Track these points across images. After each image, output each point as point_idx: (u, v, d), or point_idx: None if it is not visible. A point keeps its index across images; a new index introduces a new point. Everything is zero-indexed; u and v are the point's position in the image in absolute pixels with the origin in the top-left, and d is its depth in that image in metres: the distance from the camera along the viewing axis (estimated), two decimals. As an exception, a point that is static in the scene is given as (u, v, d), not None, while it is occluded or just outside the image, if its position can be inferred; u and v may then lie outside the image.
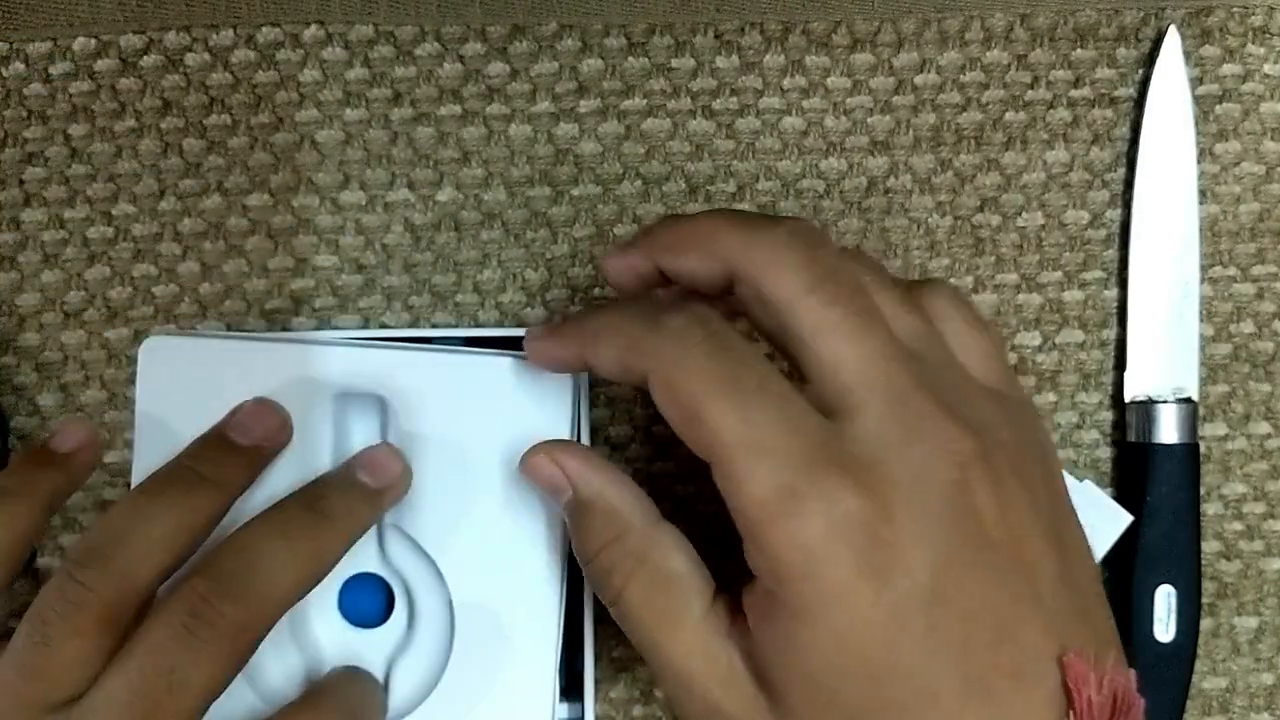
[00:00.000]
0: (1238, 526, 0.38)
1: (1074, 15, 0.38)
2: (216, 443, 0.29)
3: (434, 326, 0.37)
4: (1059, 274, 0.38)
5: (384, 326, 0.37)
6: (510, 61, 0.37)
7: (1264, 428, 0.38)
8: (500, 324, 0.37)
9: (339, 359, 0.31)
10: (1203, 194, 0.38)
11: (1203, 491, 0.37)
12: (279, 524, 0.27)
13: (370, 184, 0.37)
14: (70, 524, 0.37)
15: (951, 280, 0.38)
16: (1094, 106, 0.38)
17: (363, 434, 0.30)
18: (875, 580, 0.23)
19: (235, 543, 0.27)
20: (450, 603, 0.30)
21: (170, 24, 0.37)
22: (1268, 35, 0.38)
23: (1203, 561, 0.37)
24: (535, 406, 0.31)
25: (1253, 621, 0.38)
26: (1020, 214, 0.38)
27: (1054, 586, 0.25)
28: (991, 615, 0.24)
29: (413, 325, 0.37)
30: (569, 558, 0.31)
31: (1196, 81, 0.38)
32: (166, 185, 0.37)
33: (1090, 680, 0.24)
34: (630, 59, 0.37)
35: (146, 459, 0.30)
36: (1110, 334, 0.38)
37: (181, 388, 0.30)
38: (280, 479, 0.30)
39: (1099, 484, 0.37)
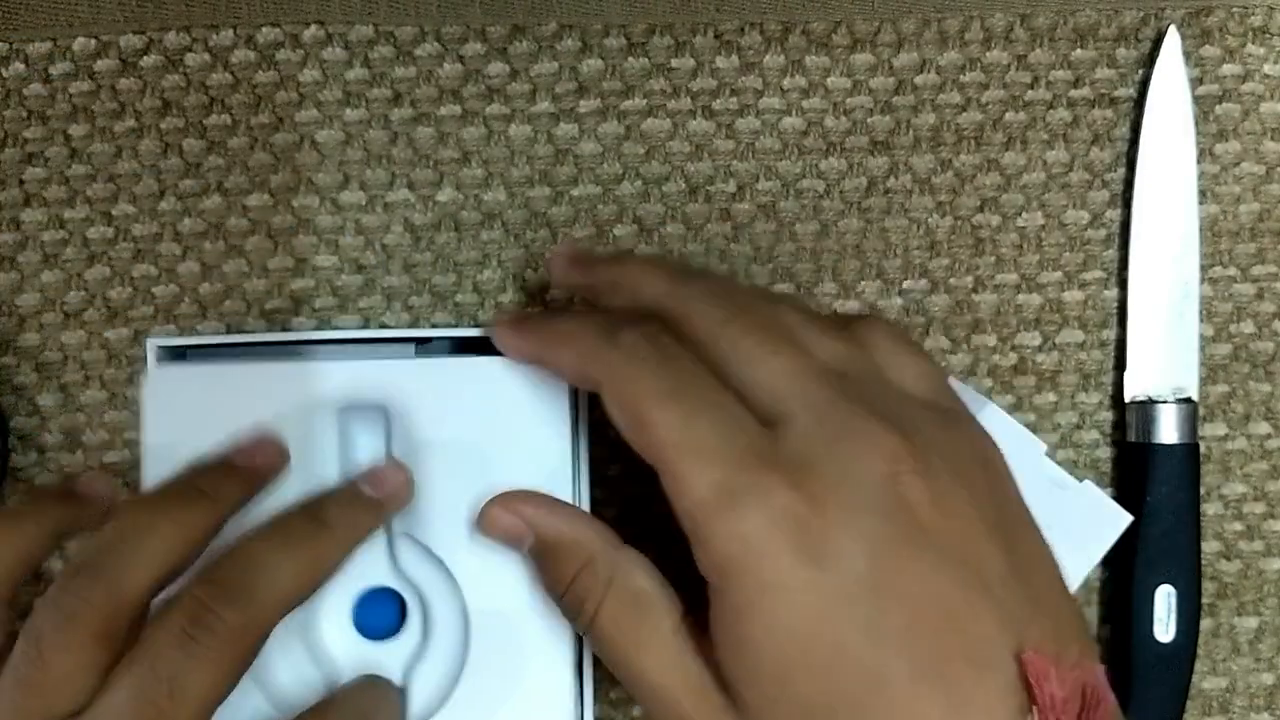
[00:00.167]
0: (1238, 526, 0.38)
1: (1074, 15, 0.38)
2: (214, 463, 0.30)
3: (434, 327, 0.37)
4: (1059, 274, 0.38)
5: (384, 327, 0.37)
6: (510, 61, 0.37)
7: (1264, 428, 0.38)
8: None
9: (341, 372, 0.31)
10: (1203, 194, 0.38)
11: (1203, 491, 0.37)
12: (279, 532, 0.28)
13: (370, 184, 0.37)
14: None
15: (951, 280, 0.38)
16: (1094, 106, 0.38)
17: (367, 445, 0.30)
18: (811, 569, 0.24)
19: (235, 551, 0.27)
20: (464, 606, 0.30)
21: (170, 24, 0.37)
22: (1268, 35, 0.38)
23: (1203, 561, 0.37)
24: (536, 406, 0.31)
25: (1253, 621, 0.38)
26: (1020, 214, 0.38)
27: (1002, 578, 0.25)
28: (935, 602, 0.24)
29: (413, 325, 0.37)
30: None
31: (1196, 81, 0.38)
32: (166, 185, 0.37)
33: (1051, 675, 0.24)
34: (630, 59, 0.37)
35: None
36: (1110, 334, 0.38)
37: (188, 415, 0.31)
38: (288, 494, 0.30)
39: (1099, 484, 0.37)
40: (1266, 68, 0.38)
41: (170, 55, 0.37)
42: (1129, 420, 0.37)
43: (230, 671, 0.26)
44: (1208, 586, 0.37)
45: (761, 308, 0.28)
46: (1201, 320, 0.38)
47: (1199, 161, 0.38)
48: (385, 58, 0.37)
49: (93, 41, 0.37)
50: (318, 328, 0.37)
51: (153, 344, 0.31)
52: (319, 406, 0.31)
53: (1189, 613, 0.36)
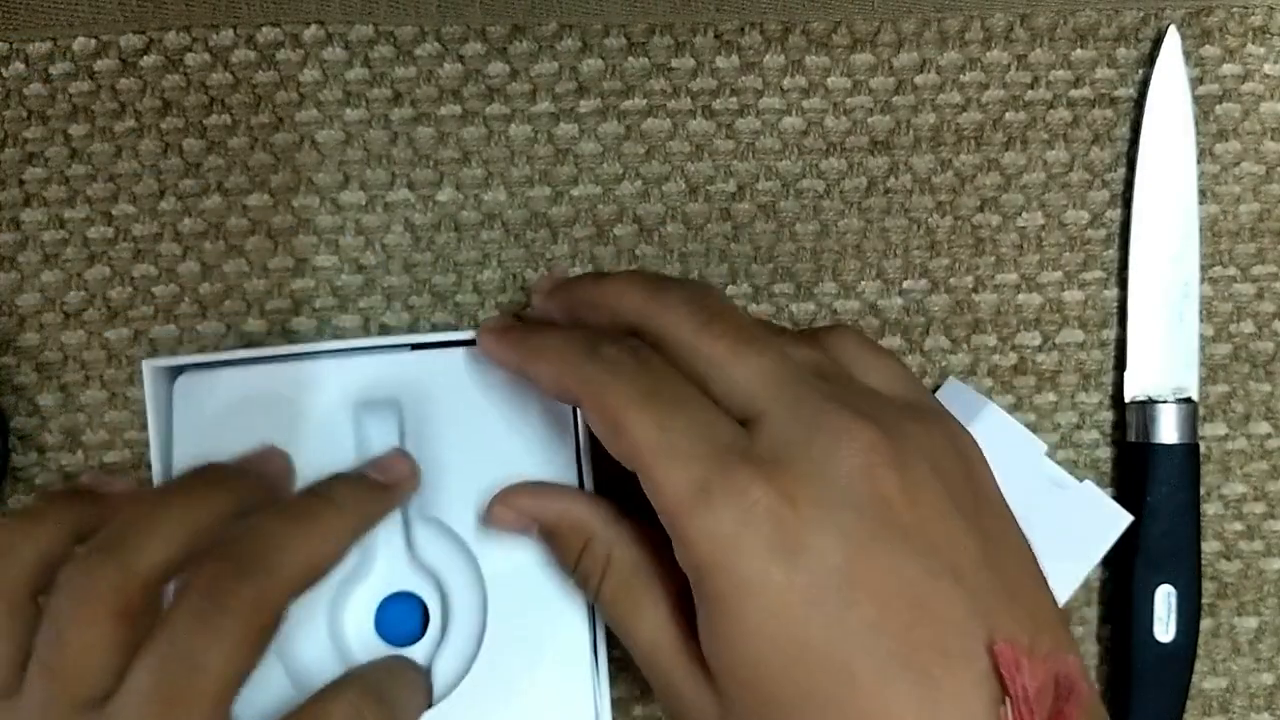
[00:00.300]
0: (1238, 526, 0.38)
1: (1074, 15, 0.38)
2: (227, 463, 0.30)
3: (434, 328, 0.37)
4: (1059, 274, 0.38)
5: (384, 327, 0.37)
6: (510, 61, 0.37)
7: (1264, 428, 0.38)
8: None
9: (354, 369, 0.32)
10: (1203, 194, 0.38)
11: (1203, 491, 0.37)
12: (290, 510, 0.28)
13: (370, 184, 0.37)
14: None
15: (951, 280, 0.38)
16: (1094, 106, 0.38)
17: (381, 439, 0.31)
18: (785, 565, 0.24)
19: (248, 528, 0.27)
20: (483, 586, 0.31)
21: (170, 24, 0.37)
22: (1268, 35, 0.38)
23: (1203, 561, 0.37)
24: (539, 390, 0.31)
25: (1253, 621, 0.38)
26: (1020, 214, 0.38)
27: (975, 569, 0.25)
28: (907, 593, 0.24)
29: (413, 325, 0.37)
30: None
31: (1196, 81, 0.38)
32: (166, 185, 0.37)
33: (1024, 666, 0.24)
34: (630, 59, 0.37)
35: None
36: (1110, 334, 0.38)
37: (210, 419, 0.31)
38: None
39: (1099, 484, 0.37)
40: (1266, 68, 0.38)
41: (170, 55, 0.37)
42: (1129, 420, 0.37)
43: (249, 647, 0.25)
44: (1208, 586, 0.37)
45: (731, 313, 0.28)
46: (1201, 320, 0.38)
47: (1199, 161, 0.38)
48: (385, 58, 0.37)
49: (93, 41, 0.37)
50: (318, 328, 0.37)
51: (149, 366, 0.31)
52: (334, 402, 0.31)
53: (1189, 613, 0.36)
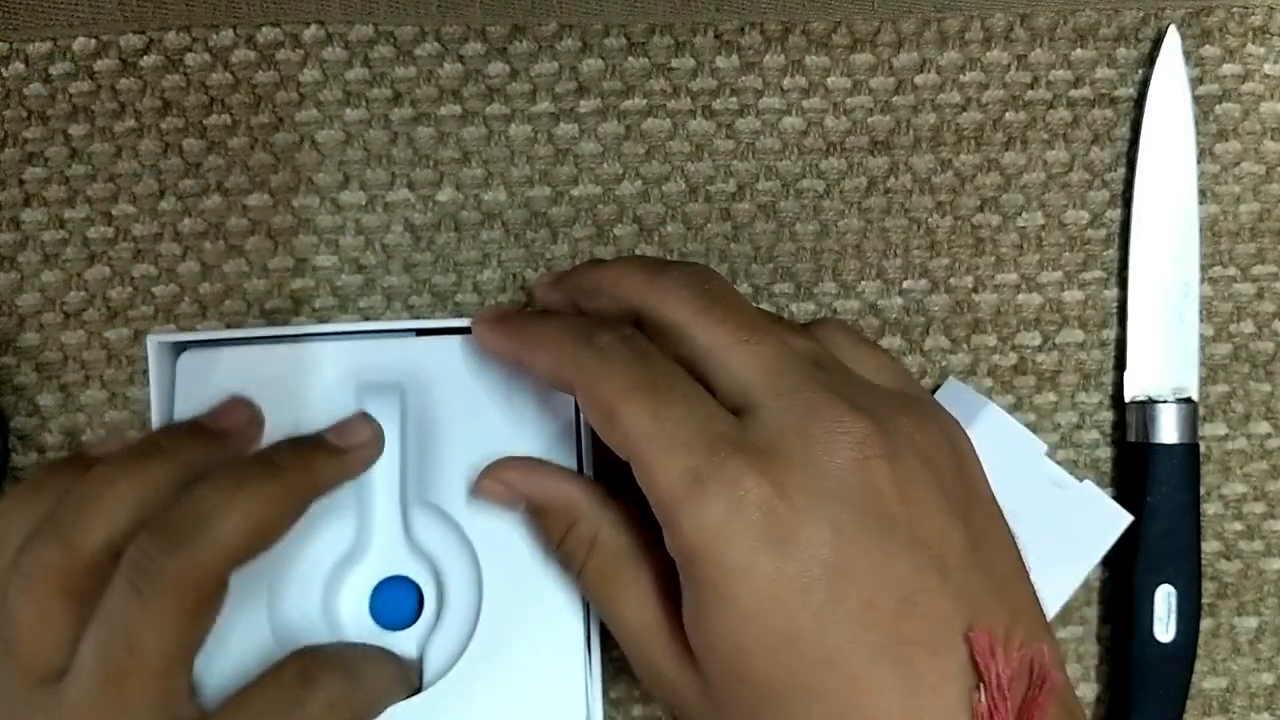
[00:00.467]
0: (1238, 526, 0.38)
1: (1074, 15, 0.38)
2: (181, 424, 0.30)
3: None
4: (1059, 274, 0.38)
5: (384, 326, 0.37)
6: (510, 61, 0.37)
7: (1264, 428, 0.38)
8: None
9: (357, 352, 0.32)
10: (1203, 194, 0.38)
11: (1203, 491, 0.37)
12: (230, 477, 0.27)
13: (370, 184, 0.37)
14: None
15: (951, 280, 0.38)
16: (1094, 106, 0.38)
17: (382, 422, 0.31)
18: (774, 555, 0.24)
19: (183, 498, 0.27)
20: (478, 569, 0.31)
21: (170, 24, 0.37)
22: (1268, 35, 0.38)
23: (1203, 561, 0.37)
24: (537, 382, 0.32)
25: (1253, 621, 0.38)
26: (1020, 214, 0.38)
27: (961, 561, 0.25)
28: (895, 585, 0.25)
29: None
30: None
31: (1196, 81, 0.38)
32: (166, 185, 0.37)
33: (999, 654, 0.24)
34: (630, 59, 0.37)
35: None
36: (1110, 334, 0.38)
37: (213, 396, 0.31)
38: None
39: (1099, 484, 0.37)
40: (1266, 68, 0.38)
41: (170, 55, 0.37)
42: (1129, 420, 0.37)
43: (184, 619, 0.25)
44: (1208, 586, 0.37)
45: (733, 298, 0.28)
46: (1201, 320, 0.38)
47: (1199, 161, 0.38)
48: (385, 58, 0.37)
49: (93, 41, 0.37)
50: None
51: (154, 341, 0.31)
52: (336, 386, 0.31)
53: (1189, 613, 0.36)
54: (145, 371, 0.32)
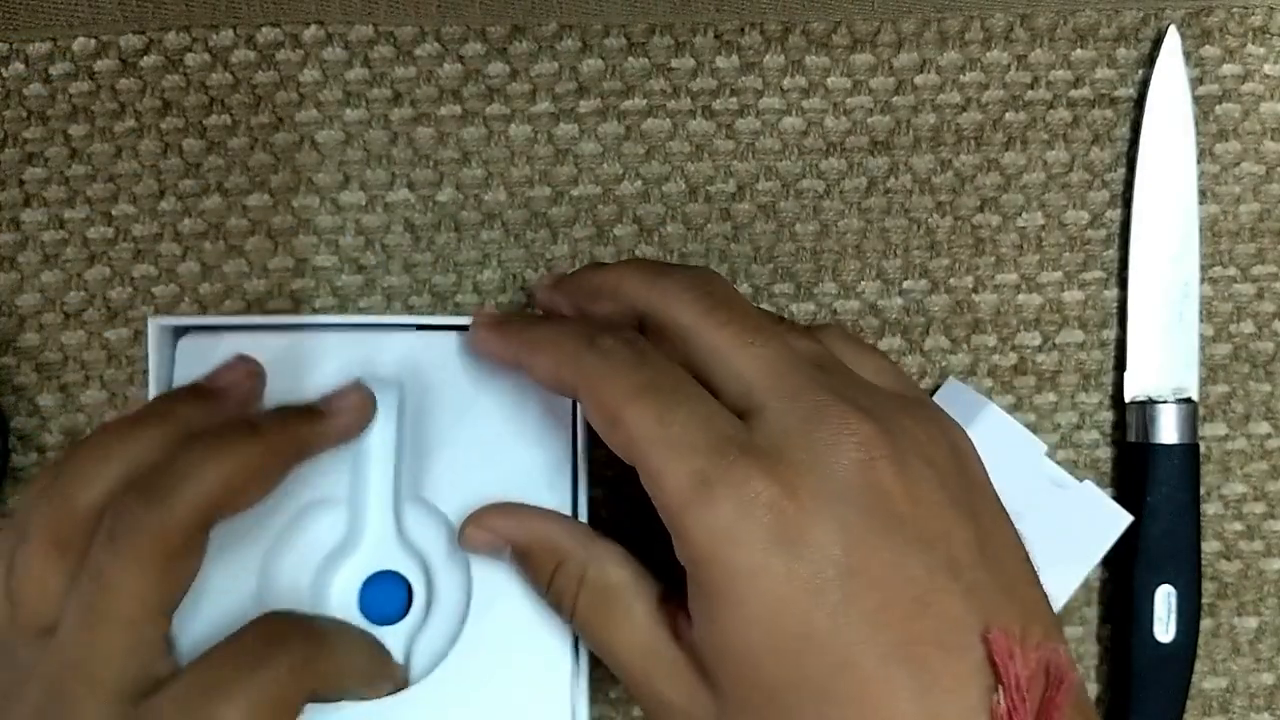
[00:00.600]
0: (1238, 526, 0.38)
1: (1074, 15, 0.38)
2: (184, 387, 0.30)
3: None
4: (1059, 274, 0.38)
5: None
6: (510, 61, 0.37)
7: (1264, 428, 0.38)
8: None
9: (358, 343, 0.32)
10: (1203, 194, 0.38)
11: (1203, 491, 0.37)
12: (211, 438, 0.28)
13: (370, 184, 0.37)
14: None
15: (951, 280, 0.38)
16: (1094, 106, 0.38)
17: (380, 415, 0.31)
18: (785, 556, 0.24)
19: (167, 458, 0.27)
20: (467, 561, 0.31)
21: (170, 24, 0.37)
22: (1268, 35, 0.38)
23: (1203, 561, 0.37)
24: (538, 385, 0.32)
25: (1253, 621, 0.38)
26: (1020, 214, 0.38)
27: (971, 560, 0.25)
28: (906, 586, 0.25)
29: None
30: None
31: (1196, 81, 0.38)
32: (166, 185, 0.37)
33: (1016, 655, 0.24)
34: (630, 59, 0.37)
35: None
36: (1110, 334, 0.38)
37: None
38: (309, 465, 0.30)
39: (1099, 484, 0.37)
40: (1266, 68, 0.38)
41: (170, 55, 0.37)
42: (1129, 420, 0.37)
43: (157, 571, 0.26)
44: (1208, 586, 0.37)
45: (736, 300, 0.28)
46: (1201, 320, 0.38)
47: (1199, 161, 0.38)
48: (385, 58, 0.37)
49: (93, 41, 0.37)
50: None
51: (154, 323, 0.31)
52: (335, 377, 0.31)
53: (1189, 613, 0.36)
54: (145, 369, 0.32)
